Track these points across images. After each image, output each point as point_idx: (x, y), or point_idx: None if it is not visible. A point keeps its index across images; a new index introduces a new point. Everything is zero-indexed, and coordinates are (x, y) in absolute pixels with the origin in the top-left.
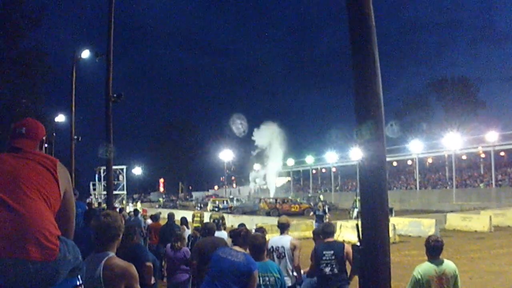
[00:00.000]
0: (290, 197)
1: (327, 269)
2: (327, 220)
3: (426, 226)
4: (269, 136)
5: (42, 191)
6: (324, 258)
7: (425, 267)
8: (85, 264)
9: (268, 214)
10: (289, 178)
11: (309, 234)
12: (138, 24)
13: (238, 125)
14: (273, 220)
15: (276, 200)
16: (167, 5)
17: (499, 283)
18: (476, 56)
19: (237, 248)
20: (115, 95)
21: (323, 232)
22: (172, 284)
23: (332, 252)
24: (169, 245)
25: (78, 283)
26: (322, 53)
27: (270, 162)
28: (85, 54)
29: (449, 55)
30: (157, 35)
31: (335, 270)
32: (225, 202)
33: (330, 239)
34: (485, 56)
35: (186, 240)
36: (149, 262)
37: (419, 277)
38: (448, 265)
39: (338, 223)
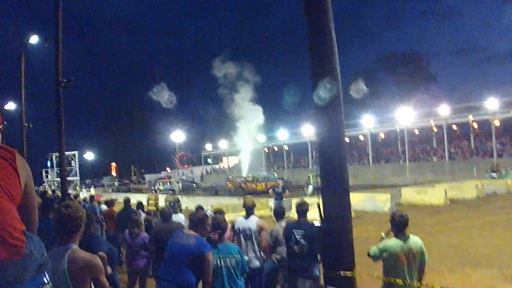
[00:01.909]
0: (258, 175)
1: (296, 247)
2: (284, 197)
3: (382, 201)
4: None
5: (3, 184)
6: (293, 237)
7: (391, 244)
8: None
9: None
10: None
11: (264, 212)
12: (86, 8)
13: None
14: (229, 200)
15: (245, 178)
16: None
17: (458, 256)
18: (425, 29)
19: (190, 231)
20: (65, 80)
21: (296, 211)
22: (132, 270)
23: (302, 231)
24: (127, 231)
25: (45, 280)
26: (273, 31)
27: (242, 135)
28: (34, 39)
29: (398, 29)
30: (105, 19)
31: (305, 250)
32: (169, 183)
33: (302, 219)
34: (435, 29)
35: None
36: (102, 252)
37: (385, 254)
38: (414, 240)
39: (293, 200)
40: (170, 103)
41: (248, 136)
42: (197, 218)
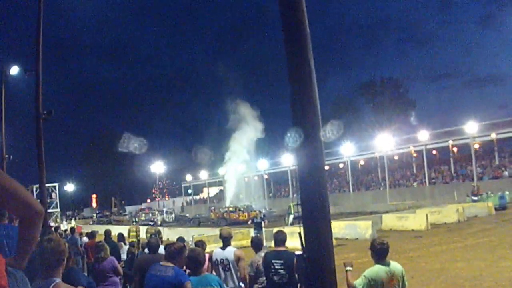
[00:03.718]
0: (240, 206)
1: (276, 278)
2: (264, 227)
3: (363, 228)
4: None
5: None
6: (272, 267)
7: (376, 271)
8: None
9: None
10: (221, 187)
11: (246, 243)
12: (65, 38)
13: (130, 144)
14: (211, 231)
15: (228, 208)
16: (93, 17)
17: (441, 280)
18: (404, 56)
19: (168, 263)
20: (45, 112)
21: (274, 240)
22: None
23: (281, 261)
24: (93, 259)
25: None
26: (249, 61)
27: (231, 162)
28: (14, 70)
29: (376, 56)
30: (84, 49)
31: (284, 280)
32: (150, 214)
33: (281, 248)
34: (412, 56)
35: (125, 255)
36: (82, 287)
37: (372, 282)
38: (395, 266)
39: (275, 229)
40: (144, 145)
41: (231, 167)
42: (174, 249)
